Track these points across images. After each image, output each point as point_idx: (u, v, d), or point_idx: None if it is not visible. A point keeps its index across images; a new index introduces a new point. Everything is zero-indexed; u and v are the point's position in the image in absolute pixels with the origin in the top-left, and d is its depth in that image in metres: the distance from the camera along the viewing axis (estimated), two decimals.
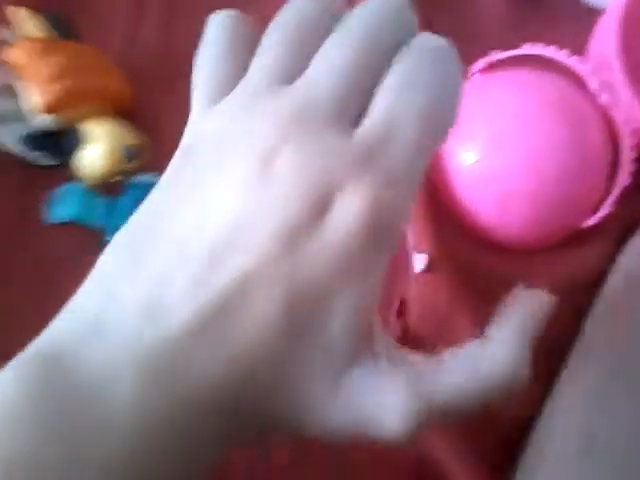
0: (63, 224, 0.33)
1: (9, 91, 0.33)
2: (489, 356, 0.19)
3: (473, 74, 0.36)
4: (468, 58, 0.36)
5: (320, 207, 0.17)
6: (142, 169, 0.33)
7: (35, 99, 0.31)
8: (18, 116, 0.32)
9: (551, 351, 0.34)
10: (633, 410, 0.30)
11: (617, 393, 0.30)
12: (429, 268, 0.33)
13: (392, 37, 0.19)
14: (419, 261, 0.33)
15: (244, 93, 0.19)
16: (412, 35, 0.19)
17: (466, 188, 0.34)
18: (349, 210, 0.17)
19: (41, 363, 0.17)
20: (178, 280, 0.17)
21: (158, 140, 0.33)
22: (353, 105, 0.18)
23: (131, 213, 0.31)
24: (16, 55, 0.32)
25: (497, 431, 0.34)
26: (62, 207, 0.32)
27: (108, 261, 0.19)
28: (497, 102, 0.34)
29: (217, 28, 0.21)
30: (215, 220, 0.17)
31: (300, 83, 0.18)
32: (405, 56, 0.19)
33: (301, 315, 0.17)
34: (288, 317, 0.17)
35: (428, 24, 0.36)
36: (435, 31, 0.37)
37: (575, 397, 0.32)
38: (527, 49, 0.33)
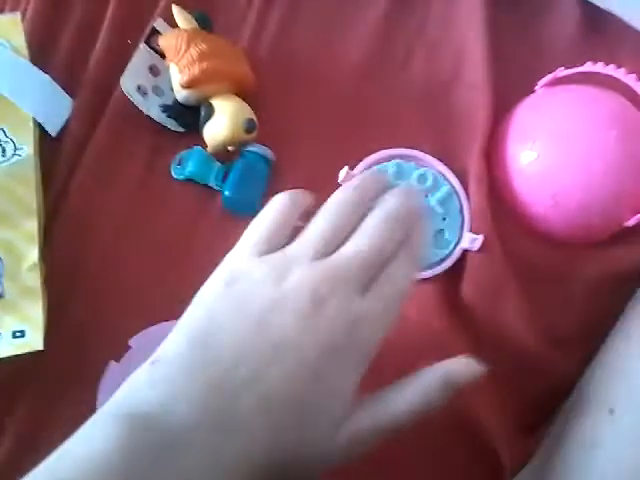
0: (186, 181, 0.39)
1: (155, 70, 0.40)
2: (390, 404, 0.27)
3: (539, 88, 0.41)
4: (536, 73, 0.41)
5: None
6: (254, 141, 0.39)
7: (177, 77, 0.38)
8: (161, 90, 0.40)
9: (590, 337, 0.38)
10: None
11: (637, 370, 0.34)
12: (483, 248, 0.37)
13: (403, 231, 0.29)
14: (475, 241, 0.37)
15: (296, 254, 0.27)
16: (417, 221, 0.30)
17: (523, 184, 0.39)
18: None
19: (131, 424, 0.23)
20: (244, 369, 0.25)
21: (268, 121, 0.39)
22: (371, 274, 0.27)
23: (240, 176, 0.38)
24: (167, 41, 0.39)
25: (531, 397, 0.37)
26: (185, 167, 0.39)
27: (180, 350, 0.26)
28: (557, 112, 0.39)
29: (283, 199, 0.30)
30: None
31: (338, 256, 0.27)
32: (400, 256, 0.29)
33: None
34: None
35: (503, 40, 0.42)
36: (508, 47, 0.42)
37: (602, 372, 0.36)
38: (589, 67, 0.38)
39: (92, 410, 0.24)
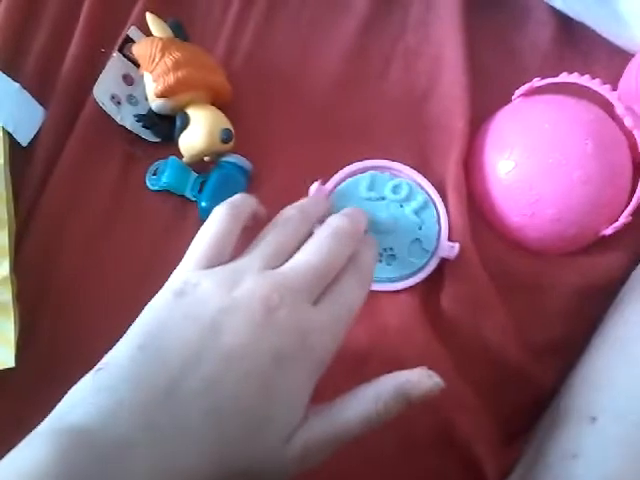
0: (161, 192, 0.38)
1: (128, 79, 0.40)
2: (342, 410, 0.27)
3: (516, 98, 0.41)
4: (512, 83, 0.41)
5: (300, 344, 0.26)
6: (231, 151, 0.38)
7: (152, 86, 0.37)
8: (135, 100, 0.39)
9: (570, 346, 0.38)
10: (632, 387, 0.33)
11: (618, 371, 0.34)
12: (461, 257, 0.37)
13: (350, 247, 0.30)
14: (453, 249, 0.37)
15: (247, 264, 0.28)
16: (360, 243, 0.31)
17: (500, 193, 0.39)
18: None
19: (68, 439, 0.22)
20: (192, 380, 0.24)
21: (245, 131, 0.39)
22: (321, 285, 0.28)
23: (217, 187, 0.37)
24: (141, 49, 0.38)
25: (513, 407, 0.37)
26: (160, 177, 0.38)
27: (127, 355, 0.25)
28: (534, 121, 0.39)
29: (223, 210, 0.30)
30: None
31: (289, 266, 0.28)
32: (349, 271, 0.30)
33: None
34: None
35: (480, 50, 0.42)
36: (486, 57, 0.43)
37: (582, 381, 0.35)
38: (564, 77, 0.38)
39: None
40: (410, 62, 0.44)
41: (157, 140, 0.39)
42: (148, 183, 0.39)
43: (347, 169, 0.38)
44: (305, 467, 0.26)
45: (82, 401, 0.24)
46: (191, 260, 0.28)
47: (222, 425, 0.24)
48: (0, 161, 0.35)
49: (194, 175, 0.38)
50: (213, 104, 0.39)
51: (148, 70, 0.38)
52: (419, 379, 0.27)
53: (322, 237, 0.29)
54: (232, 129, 0.38)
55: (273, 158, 0.40)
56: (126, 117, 0.38)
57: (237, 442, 0.24)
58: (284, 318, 0.26)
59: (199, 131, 0.37)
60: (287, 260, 0.29)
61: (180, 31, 0.40)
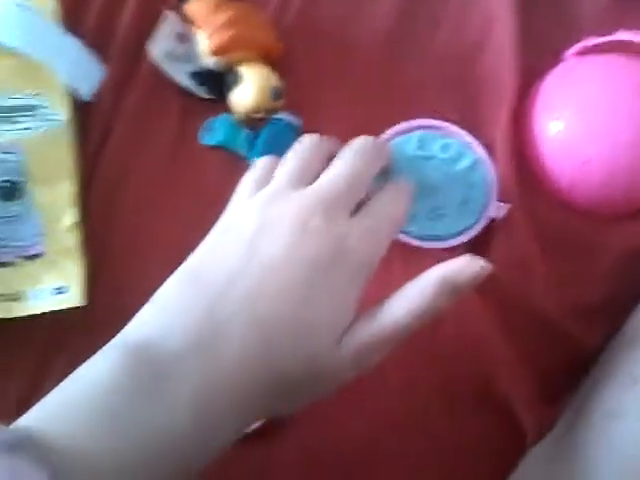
0: (214, 148, 0.39)
1: (182, 37, 0.40)
2: (390, 308, 0.28)
3: (568, 57, 0.41)
4: (565, 41, 0.41)
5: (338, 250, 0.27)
6: (281, 109, 0.39)
7: (205, 44, 0.38)
8: (189, 57, 0.40)
9: (615, 309, 0.38)
10: None
11: None
12: (509, 218, 0.37)
13: (376, 162, 0.32)
14: (501, 209, 0.37)
15: (277, 187, 0.29)
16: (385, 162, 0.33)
17: (550, 154, 0.39)
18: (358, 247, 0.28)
19: (134, 351, 0.25)
20: (235, 294, 0.26)
21: (296, 88, 0.40)
22: (354, 197, 0.29)
23: (268, 143, 0.38)
24: (194, 8, 0.39)
25: (554, 366, 0.37)
26: (213, 134, 0.39)
27: (177, 283, 0.28)
28: (586, 82, 0.38)
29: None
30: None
31: (318, 182, 0.29)
32: (383, 188, 0.31)
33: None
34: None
35: (533, 6, 0.42)
36: (538, 14, 0.42)
37: (627, 343, 0.36)
38: (621, 35, 0.37)
39: None
40: (459, 21, 0.43)
41: (211, 97, 0.40)
42: (202, 138, 0.40)
43: (396, 127, 0.38)
44: (362, 368, 0.27)
45: (141, 325, 0.27)
46: (237, 197, 0.31)
47: (265, 333, 0.26)
48: (66, 117, 0.36)
49: (245, 132, 0.39)
50: (264, 62, 0.39)
51: (202, 28, 0.38)
52: (463, 264, 0.28)
53: (346, 154, 0.31)
54: (282, 86, 0.38)
55: (323, 116, 0.40)
56: (180, 74, 0.39)
57: (283, 347, 0.26)
58: (318, 226, 0.27)
59: (250, 89, 0.37)
60: (316, 179, 0.30)
61: None
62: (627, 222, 0.40)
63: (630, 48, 0.37)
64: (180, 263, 0.28)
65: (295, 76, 0.40)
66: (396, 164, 0.36)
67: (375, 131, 0.37)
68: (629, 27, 0.38)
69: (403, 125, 0.39)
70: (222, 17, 0.38)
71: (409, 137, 0.38)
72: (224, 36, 0.37)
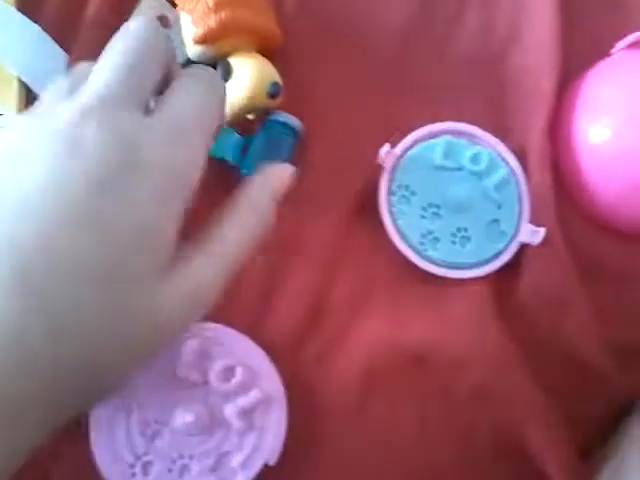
0: None
1: (163, 21, 0.35)
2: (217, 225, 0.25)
3: (616, 51, 0.36)
4: (612, 34, 0.36)
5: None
6: (278, 109, 0.34)
7: (190, 29, 0.33)
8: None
9: None
10: None
11: None
12: (545, 243, 0.33)
13: (158, 42, 0.25)
14: (536, 234, 0.33)
15: (47, 100, 0.24)
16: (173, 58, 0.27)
17: (592, 167, 0.34)
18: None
19: None
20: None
21: (296, 84, 0.35)
22: (139, 85, 0.24)
23: (264, 152, 0.34)
24: None
25: (588, 415, 0.34)
26: None
27: None
28: (636, 81, 0.34)
29: None
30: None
31: (90, 81, 0.23)
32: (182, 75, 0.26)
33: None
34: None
35: None
36: (579, 5, 0.39)
37: None
38: None
39: None
40: (488, 9, 0.38)
41: None
42: None
43: (419, 132, 0.34)
44: (202, 305, 0.24)
45: None
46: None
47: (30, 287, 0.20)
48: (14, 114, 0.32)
49: (236, 136, 0.34)
50: (260, 52, 0.34)
51: (186, 10, 0.33)
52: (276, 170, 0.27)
53: (115, 42, 0.25)
54: (281, 82, 0.33)
55: (328, 117, 0.36)
56: None
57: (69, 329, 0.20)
58: (93, 136, 0.21)
59: (243, 84, 0.32)
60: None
61: None
62: None
63: None
64: None
65: (296, 69, 0.36)
66: (418, 175, 0.32)
67: (386, 136, 0.34)
68: None
69: (426, 128, 0.34)
70: None
71: (434, 144, 0.34)
72: (212, 20, 0.32)
